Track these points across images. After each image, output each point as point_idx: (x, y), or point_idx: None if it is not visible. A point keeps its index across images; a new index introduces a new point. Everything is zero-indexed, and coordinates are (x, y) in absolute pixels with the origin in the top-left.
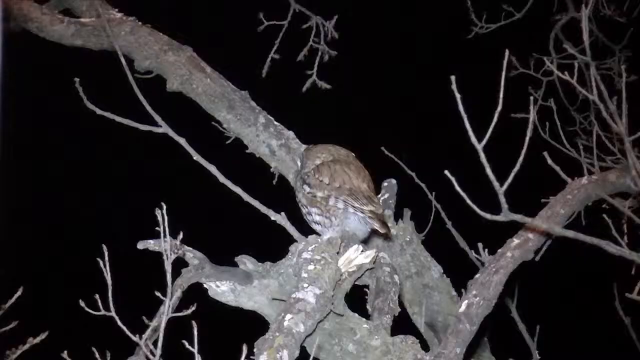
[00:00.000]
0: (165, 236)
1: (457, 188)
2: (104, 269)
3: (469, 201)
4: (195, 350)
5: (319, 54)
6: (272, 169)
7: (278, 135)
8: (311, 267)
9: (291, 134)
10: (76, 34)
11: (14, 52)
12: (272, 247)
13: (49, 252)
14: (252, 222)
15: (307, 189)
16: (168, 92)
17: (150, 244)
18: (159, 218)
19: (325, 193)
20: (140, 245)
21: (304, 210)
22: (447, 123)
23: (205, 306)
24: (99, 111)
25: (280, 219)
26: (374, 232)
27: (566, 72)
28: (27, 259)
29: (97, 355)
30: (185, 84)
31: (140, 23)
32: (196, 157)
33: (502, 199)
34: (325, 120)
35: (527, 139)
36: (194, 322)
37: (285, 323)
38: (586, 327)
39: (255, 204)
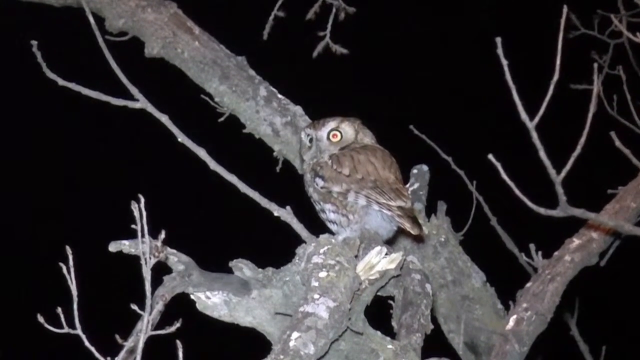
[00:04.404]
0: (143, 236)
1: (504, 176)
2: (67, 276)
3: (518, 192)
4: None
5: (334, 11)
6: (275, 153)
7: (283, 111)
8: (323, 274)
9: (299, 109)
10: None
11: None
12: (275, 249)
13: None
14: (251, 218)
15: (321, 183)
16: (147, 58)
17: (125, 246)
18: (136, 213)
19: (343, 187)
20: (113, 247)
21: (316, 207)
22: (490, 96)
23: (193, 322)
24: (61, 81)
25: (285, 214)
26: (401, 232)
27: (638, 34)
28: None
29: None
30: (168, 48)
31: None
32: (181, 138)
33: (560, 190)
34: (341, 93)
35: (590, 115)
36: (178, 342)
37: (292, 343)
38: None
39: (255, 196)
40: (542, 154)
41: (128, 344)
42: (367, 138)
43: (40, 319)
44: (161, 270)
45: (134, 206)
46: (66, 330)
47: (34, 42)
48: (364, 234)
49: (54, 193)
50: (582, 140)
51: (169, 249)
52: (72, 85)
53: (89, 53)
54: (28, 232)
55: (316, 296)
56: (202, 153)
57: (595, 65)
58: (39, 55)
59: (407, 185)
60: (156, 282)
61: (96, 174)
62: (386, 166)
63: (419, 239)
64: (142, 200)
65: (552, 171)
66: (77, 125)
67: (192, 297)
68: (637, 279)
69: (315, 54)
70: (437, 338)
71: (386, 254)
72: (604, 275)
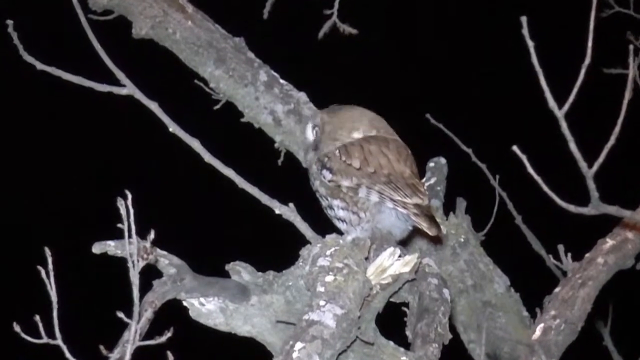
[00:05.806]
0: (130, 236)
1: (530, 170)
2: (46, 281)
3: (545, 187)
4: None
5: None
6: (276, 144)
7: (285, 98)
8: (330, 278)
9: (302, 96)
10: None
11: None
12: (277, 250)
13: None
14: (250, 216)
15: (328, 176)
16: (135, 39)
17: (111, 247)
18: (122, 211)
19: (353, 182)
20: (97, 249)
21: (323, 203)
22: (515, 82)
23: (186, 331)
24: (39, 65)
25: (288, 212)
26: (416, 232)
27: None
28: None
29: None
30: (158, 28)
31: None
32: (173, 127)
33: (592, 185)
34: (349, 78)
35: (625, 102)
36: (169, 353)
37: (295, 355)
38: None
39: (254, 191)
40: (572, 146)
41: (114, 356)
42: (385, 128)
43: (17, 328)
44: (151, 274)
45: (120, 203)
46: (45, 340)
47: (10, 22)
48: (376, 234)
49: (31, 189)
50: (617, 130)
51: (159, 250)
52: (51, 70)
53: (71, 34)
54: (1, 231)
55: (322, 303)
56: (195, 144)
57: (631, 47)
58: (15, 36)
59: (424, 180)
60: (145, 287)
61: (78, 168)
62: (401, 159)
63: (436, 240)
64: (130, 196)
65: (583, 164)
66: (57, 113)
67: (184, 303)
68: None
69: (321, 34)
70: (456, 349)
71: (400, 256)
72: None
